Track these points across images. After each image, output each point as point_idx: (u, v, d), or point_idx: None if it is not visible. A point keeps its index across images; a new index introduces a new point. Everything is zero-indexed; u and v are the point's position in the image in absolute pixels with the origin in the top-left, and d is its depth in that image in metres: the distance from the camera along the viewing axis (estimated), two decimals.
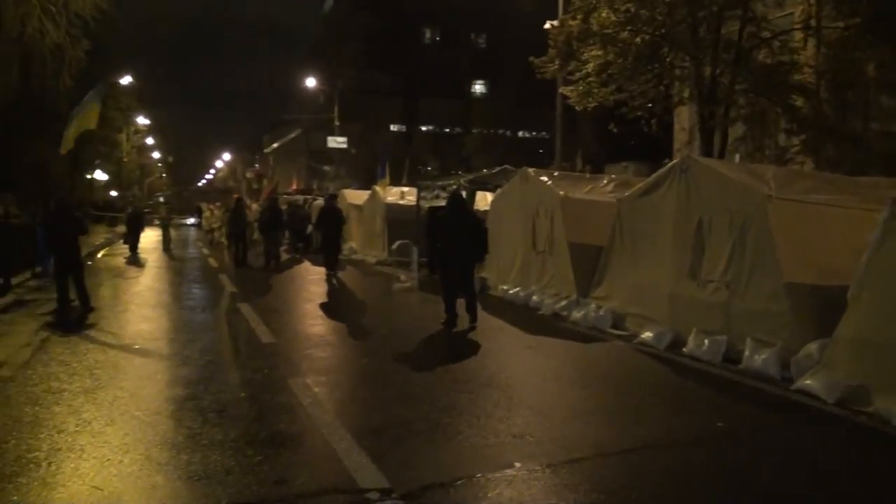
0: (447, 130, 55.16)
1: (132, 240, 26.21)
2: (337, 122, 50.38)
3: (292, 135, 73.58)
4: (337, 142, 50.48)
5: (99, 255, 26.60)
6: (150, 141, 79.01)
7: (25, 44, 26.19)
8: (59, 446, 5.68)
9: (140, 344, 9.95)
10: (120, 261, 23.99)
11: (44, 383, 7.72)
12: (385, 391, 7.70)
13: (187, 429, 6.16)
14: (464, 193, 14.36)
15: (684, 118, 21.77)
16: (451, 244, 11.31)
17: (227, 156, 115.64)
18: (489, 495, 4.78)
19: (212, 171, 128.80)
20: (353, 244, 25.57)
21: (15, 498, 4.71)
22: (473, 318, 11.30)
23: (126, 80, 49.77)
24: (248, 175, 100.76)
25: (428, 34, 68.27)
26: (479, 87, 66.44)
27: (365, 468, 5.19)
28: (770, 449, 5.86)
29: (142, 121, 65.81)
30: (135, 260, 24.12)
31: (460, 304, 11.29)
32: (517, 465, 5.29)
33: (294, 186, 65.99)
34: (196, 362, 8.80)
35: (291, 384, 7.63)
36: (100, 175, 60.04)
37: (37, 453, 5.51)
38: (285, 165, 78.87)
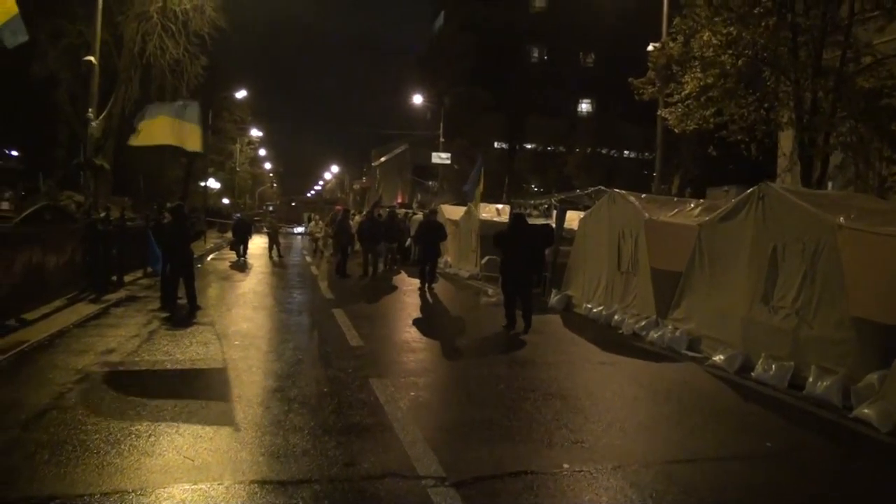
0: (550, 149, 55.34)
1: (239, 246, 27.39)
2: (442, 139, 51.39)
3: (398, 150, 75.10)
4: (441, 158, 51.48)
5: (208, 259, 28.07)
6: (262, 152, 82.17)
7: (146, 60, 28.01)
8: (158, 423, 6.43)
9: (239, 340, 10.76)
10: (227, 265, 25.32)
11: (149, 370, 8.57)
12: (456, 394, 8.23)
13: (273, 415, 6.84)
14: (529, 212, 15.47)
15: (786, 143, 21.53)
16: (512, 258, 12.58)
17: (335, 168, 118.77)
18: (533, 489, 5.23)
19: (320, 182, 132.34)
20: (448, 258, 26.20)
21: (117, 461, 5.44)
22: (528, 325, 12.43)
23: (240, 94, 52.00)
24: (355, 187, 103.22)
25: (535, 52, 68.69)
26: (584, 106, 66.39)
27: (425, 458, 5.71)
28: (808, 469, 6.09)
29: (254, 133, 68.54)
30: (241, 265, 25.35)
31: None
32: (565, 466, 5.72)
33: (399, 200, 67.32)
34: (288, 359, 9.53)
35: (372, 383, 8.22)
36: (213, 183, 62.79)
37: (139, 427, 6.27)
38: (391, 179, 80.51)
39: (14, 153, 36.07)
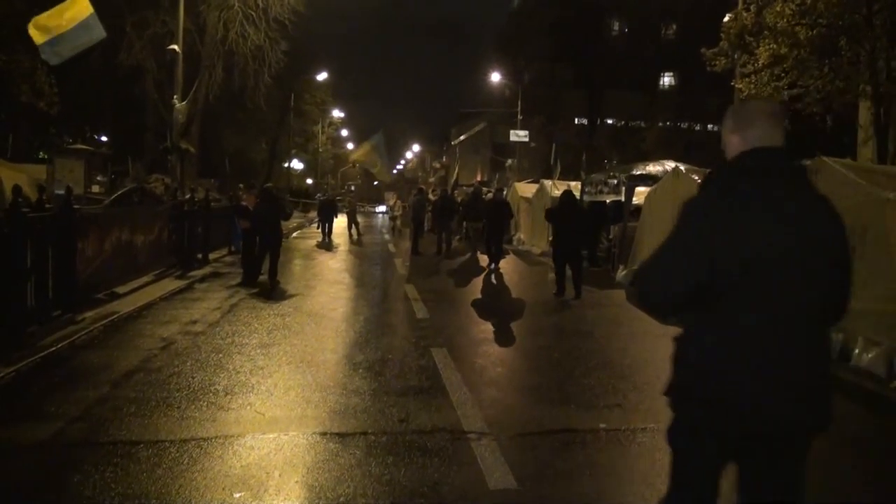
0: (631, 124, 54.69)
1: (324, 225, 28.15)
2: (520, 116, 51.42)
3: (477, 128, 75.29)
4: (518, 135, 51.53)
5: (292, 237, 29.05)
6: (344, 133, 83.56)
7: (228, 47, 29.04)
8: (234, 383, 7.07)
9: (314, 312, 11.42)
10: (310, 243, 26.24)
11: (228, 338, 9.27)
12: (510, 362, 8.68)
13: (339, 378, 7.41)
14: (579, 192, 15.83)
15: (864, 115, 21.10)
16: (562, 231, 13.74)
17: (416, 147, 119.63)
18: (568, 444, 5.64)
19: (402, 161, 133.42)
20: (521, 235, 26.52)
21: (196, 414, 6.07)
22: (578, 293, 13.46)
23: (321, 76, 53.02)
24: (436, 165, 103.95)
25: (616, 26, 67.74)
26: (666, 80, 65.22)
27: (472, 417, 6.17)
28: (848, 439, 6.29)
29: (336, 114, 69.76)
30: (324, 243, 26.17)
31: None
32: (602, 426, 6.10)
33: (478, 178, 67.66)
34: (357, 329, 10.12)
35: (433, 352, 8.70)
36: (296, 164, 64.31)
37: (216, 387, 6.92)
38: (470, 158, 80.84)
39: (104, 139, 37.76)
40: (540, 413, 6.42)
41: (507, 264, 19.82)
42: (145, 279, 13.76)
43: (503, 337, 10.16)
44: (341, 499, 4.52)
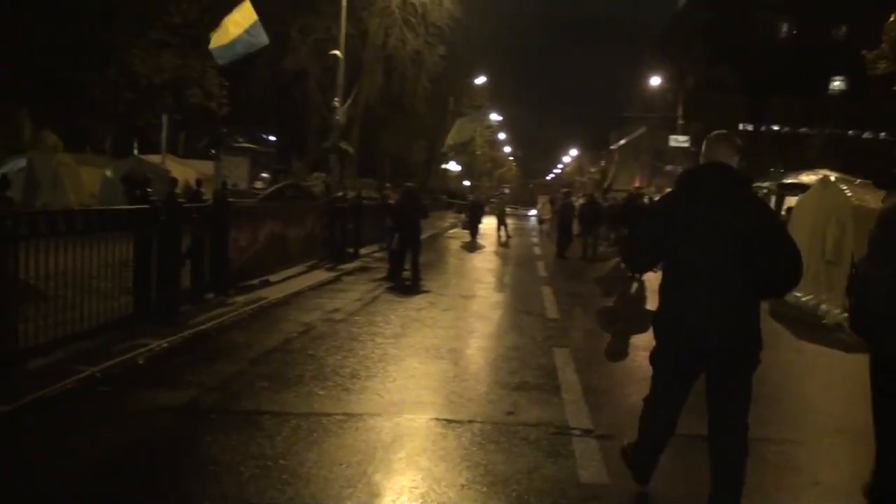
0: (799, 130, 52.31)
1: (472, 226, 28.67)
2: (680, 121, 50.29)
3: (637, 133, 74.09)
4: (678, 141, 50.30)
5: (443, 237, 29.78)
6: (501, 136, 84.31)
7: (388, 51, 30.17)
8: (362, 368, 7.53)
9: (448, 308, 11.83)
10: (458, 243, 26.83)
11: (364, 327, 9.80)
12: (632, 366, 8.67)
13: (459, 369, 7.76)
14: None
15: None
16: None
17: (573, 151, 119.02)
18: (671, 449, 5.69)
19: (559, 165, 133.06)
20: None
21: (321, 393, 6.56)
22: None
23: (479, 80, 53.78)
24: (591, 170, 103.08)
25: (784, 27, 64.91)
26: (837, 84, 61.88)
27: (580, 415, 6.32)
28: None
29: (494, 117, 70.43)
30: (471, 244, 26.66)
31: None
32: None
33: (637, 184, 66.61)
34: (487, 326, 10.46)
35: (554, 351, 8.87)
36: (453, 166, 65.51)
37: (345, 370, 7.40)
38: (628, 163, 79.62)
39: (272, 138, 39.95)
40: None
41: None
42: (297, 270, 14.58)
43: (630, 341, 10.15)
44: (439, 477, 4.82)
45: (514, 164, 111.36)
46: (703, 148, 4.40)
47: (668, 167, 58.71)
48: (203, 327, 8.89)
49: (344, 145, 26.30)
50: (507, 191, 69.80)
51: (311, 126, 35.68)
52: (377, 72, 31.10)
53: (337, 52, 23.81)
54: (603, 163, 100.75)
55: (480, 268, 19.03)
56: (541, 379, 7.54)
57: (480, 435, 5.67)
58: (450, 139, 31.53)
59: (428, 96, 35.98)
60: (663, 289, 4.32)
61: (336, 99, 24.39)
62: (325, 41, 29.06)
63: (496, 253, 24.10)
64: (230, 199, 11.24)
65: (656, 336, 4.38)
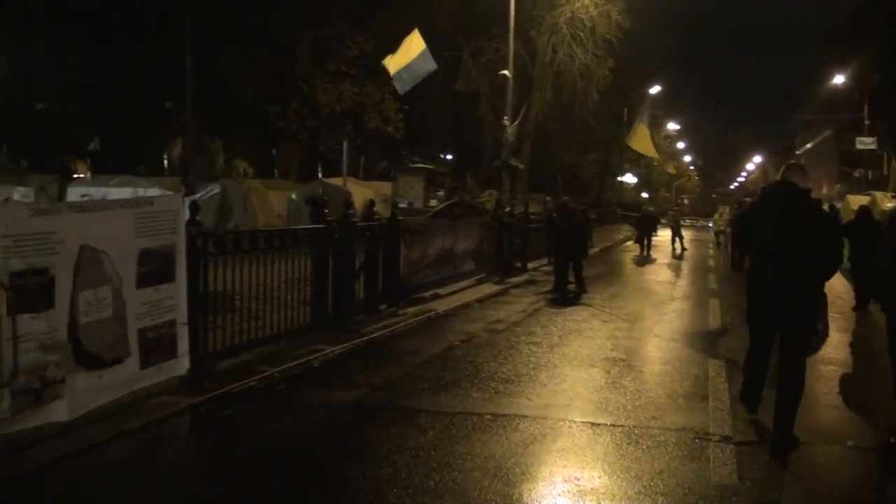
0: None
1: (642, 239, 28.50)
2: (867, 122, 47.37)
3: (821, 136, 70.33)
4: (864, 143, 47.34)
5: (615, 250, 29.79)
6: (681, 145, 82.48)
7: (557, 67, 30.62)
8: (516, 374, 8.05)
9: (610, 320, 12.09)
10: (629, 257, 26.82)
11: (523, 336, 10.30)
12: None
13: (610, 377, 8.07)
14: None
15: None
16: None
17: (757, 158, 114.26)
18: (803, 455, 5.81)
19: (743, 174, 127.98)
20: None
21: (475, 395, 7.13)
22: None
23: (653, 89, 52.99)
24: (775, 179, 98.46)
25: None
26: None
27: (722, 423, 6.47)
28: None
29: (671, 126, 69.17)
30: (642, 257, 26.57)
31: None
32: (849, 443, 6.13)
33: (824, 190, 63.21)
34: (645, 336, 10.69)
35: (710, 362, 8.97)
36: (629, 178, 64.83)
37: (500, 375, 7.95)
38: (814, 169, 75.67)
39: (449, 157, 41.33)
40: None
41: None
42: (466, 283, 15.28)
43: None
44: (572, 471, 5.24)
45: (694, 173, 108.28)
46: (781, 172, 6.32)
47: (857, 172, 55.32)
48: (374, 335, 9.70)
49: (514, 162, 26.93)
50: (685, 202, 68.35)
51: (485, 144, 36.65)
52: (546, 88, 31.66)
53: (506, 72, 24.48)
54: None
55: (648, 280, 19.06)
56: (690, 388, 7.73)
57: (621, 437, 6.02)
58: (633, 144, 31.54)
59: (598, 109, 36.06)
60: (748, 272, 6.27)
61: (506, 117, 25.04)
62: (495, 62, 29.98)
63: (667, 265, 23.90)
64: (400, 218, 12.04)
65: (748, 303, 6.28)
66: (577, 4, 30.51)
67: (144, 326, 5.99)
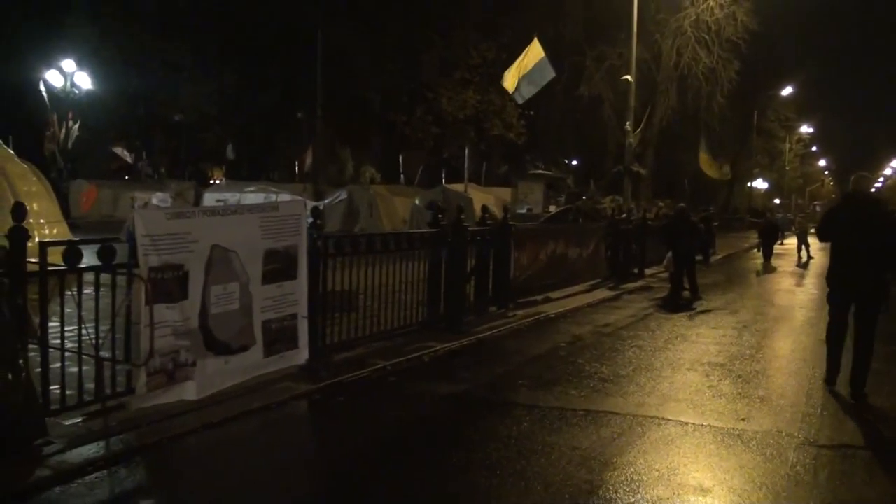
0: None
1: (764, 247, 27.79)
2: None
3: None
4: None
5: (738, 258, 29.24)
6: (815, 148, 79.34)
7: (680, 71, 30.32)
8: (615, 374, 8.39)
9: (717, 325, 12.17)
10: (751, 264, 26.31)
11: (628, 340, 10.58)
12: (883, 389, 8.63)
13: (709, 381, 8.26)
14: None
15: None
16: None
17: (895, 163, 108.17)
18: (879, 461, 5.93)
19: (881, 178, 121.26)
20: None
21: (572, 392, 7.52)
22: None
23: (785, 91, 51.42)
24: None
25: None
26: None
27: (810, 426, 6.62)
28: None
29: (805, 129, 66.71)
30: (764, 266, 25.95)
31: None
32: None
33: None
34: (751, 343, 10.69)
35: (809, 369, 9.01)
36: (760, 183, 62.94)
37: (599, 374, 8.33)
38: None
39: (574, 162, 41.44)
40: (875, 431, 6.76)
41: None
42: (579, 288, 15.56)
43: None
44: (652, 462, 5.57)
45: (829, 178, 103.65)
46: (851, 183, 8.23)
47: None
48: (483, 335, 10.19)
49: (635, 167, 26.91)
50: (818, 208, 65.68)
51: (608, 149, 36.64)
52: (670, 92, 31.41)
53: (628, 77, 24.52)
54: None
55: (766, 289, 18.78)
56: (786, 393, 7.87)
57: (708, 436, 6.29)
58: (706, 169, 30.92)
59: (725, 113, 35.39)
60: (829, 258, 8.07)
61: (628, 123, 25.09)
62: (619, 67, 29.93)
63: (790, 274, 23.36)
64: (512, 223, 12.48)
65: (828, 285, 7.99)
66: (702, 7, 30.15)
67: (268, 319, 6.69)
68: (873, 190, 24.60)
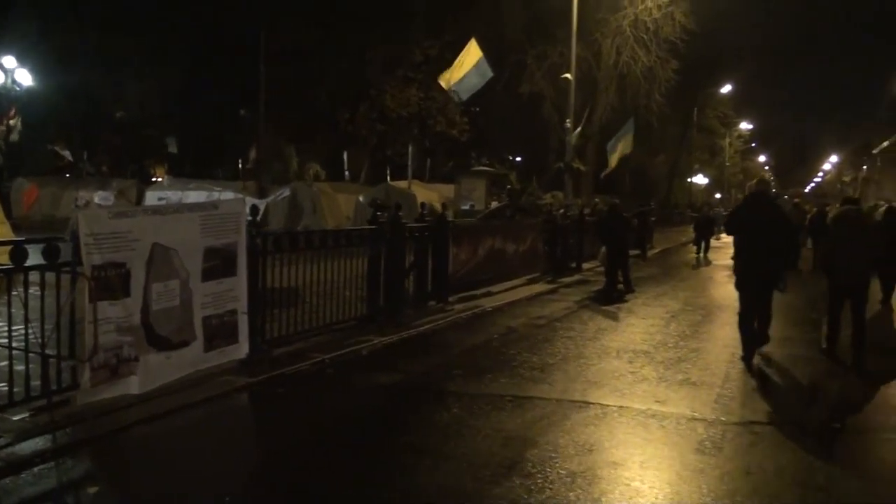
0: None
1: (699, 242, 28.46)
2: None
3: None
4: None
5: (674, 253, 30.01)
6: (754, 145, 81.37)
7: (619, 70, 31.07)
8: (545, 363, 8.85)
9: (648, 317, 12.70)
10: (686, 258, 27.09)
11: (560, 331, 11.06)
12: (813, 374, 9.23)
13: (632, 367, 8.75)
14: None
15: None
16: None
17: (834, 158, 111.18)
18: (783, 434, 6.45)
19: (819, 174, 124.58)
20: None
21: (503, 380, 7.94)
22: None
23: (724, 89, 52.73)
24: (844, 179, 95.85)
25: None
26: None
27: (723, 405, 7.17)
28: None
29: (743, 126, 68.41)
30: (698, 260, 26.63)
31: None
32: (836, 425, 6.74)
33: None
34: (678, 332, 11.23)
35: (734, 356, 9.54)
36: (700, 179, 64.40)
37: (529, 363, 8.78)
38: (890, 169, 73.64)
39: (518, 159, 42.03)
40: (788, 411, 7.30)
41: None
42: (518, 282, 16.01)
43: (808, 355, 10.47)
44: (570, 440, 6.00)
45: (768, 173, 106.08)
46: (754, 184, 10.02)
47: None
48: (421, 328, 10.58)
49: (576, 164, 27.52)
50: None
51: (550, 146, 37.26)
52: (610, 90, 32.17)
53: (568, 76, 25.06)
54: (865, 168, 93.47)
55: (697, 282, 19.49)
56: (706, 377, 8.37)
57: (627, 418, 6.75)
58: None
59: (663, 111, 36.27)
60: (736, 252, 9.36)
61: (568, 120, 25.64)
62: (559, 65, 30.50)
63: (724, 266, 23.98)
64: (451, 219, 12.88)
65: (735, 273, 9.56)
66: (641, 7, 30.91)
67: (208, 315, 6.97)
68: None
